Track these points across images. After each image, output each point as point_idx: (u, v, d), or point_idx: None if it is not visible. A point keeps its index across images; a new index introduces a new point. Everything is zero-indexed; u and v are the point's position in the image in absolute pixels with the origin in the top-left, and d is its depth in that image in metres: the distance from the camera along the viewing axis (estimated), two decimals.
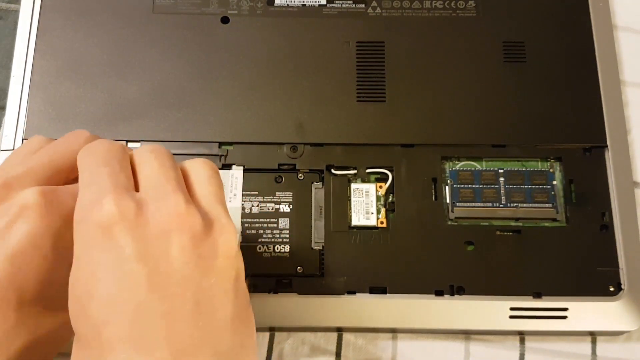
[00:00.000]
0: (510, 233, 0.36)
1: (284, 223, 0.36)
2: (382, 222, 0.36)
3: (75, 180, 0.27)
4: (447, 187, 0.37)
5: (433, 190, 0.36)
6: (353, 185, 0.37)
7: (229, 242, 0.23)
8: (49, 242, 0.24)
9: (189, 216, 0.22)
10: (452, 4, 0.40)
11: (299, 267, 0.35)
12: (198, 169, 0.25)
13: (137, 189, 0.23)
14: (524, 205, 0.36)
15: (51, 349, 0.27)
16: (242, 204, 0.36)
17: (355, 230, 0.36)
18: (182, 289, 0.21)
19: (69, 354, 0.23)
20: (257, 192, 0.36)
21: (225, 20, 0.40)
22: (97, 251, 0.21)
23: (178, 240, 0.22)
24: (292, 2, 0.40)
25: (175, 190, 0.23)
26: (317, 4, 0.40)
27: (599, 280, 0.35)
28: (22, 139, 0.37)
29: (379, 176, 0.37)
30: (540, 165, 0.37)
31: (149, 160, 0.24)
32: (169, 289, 0.21)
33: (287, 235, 0.36)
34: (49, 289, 0.25)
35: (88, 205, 0.22)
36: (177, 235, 0.22)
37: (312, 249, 0.35)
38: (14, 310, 0.24)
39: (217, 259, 0.22)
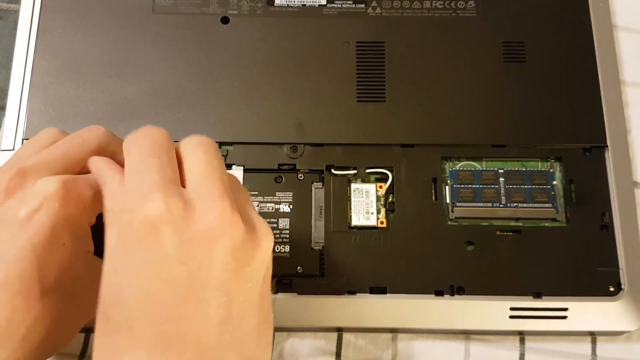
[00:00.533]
0: (510, 233, 0.36)
1: (284, 223, 0.36)
2: (382, 222, 0.36)
3: (87, 172, 0.27)
4: (447, 187, 0.37)
5: (433, 190, 0.36)
6: (353, 185, 0.37)
7: (269, 249, 0.23)
8: (68, 232, 0.25)
9: (233, 224, 0.22)
10: (452, 4, 0.40)
11: (299, 267, 0.35)
12: (235, 184, 0.25)
13: (182, 183, 0.23)
14: (524, 205, 0.36)
15: (67, 336, 0.27)
16: None
17: (355, 230, 0.36)
18: (219, 294, 0.22)
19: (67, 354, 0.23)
20: (257, 192, 0.36)
21: (225, 20, 0.40)
22: (141, 246, 0.21)
23: (220, 247, 0.22)
24: (292, 2, 0.40)
25: (222, 195, 0.22)
26: (317, 4, 0.40)
27: (599, 280, 0.35)
28: (22, 139, 0.37)
29: (379, 176, 0.37)
30: (540, 165, 0.37)
31: (197, 156, 0.24)
32: (206, 293, 0.21)
33: (287, 235, 0.35)
34: (66, 277, 0.25)
35: (135, 198, 0.22)
36: (220, 242, 0.22)
37: (312, 249, 0.35)
38: (38, 300, 0.24)
39: (254, 264, 0.23)
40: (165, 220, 0.21)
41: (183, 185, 0.23)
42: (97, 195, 0.26)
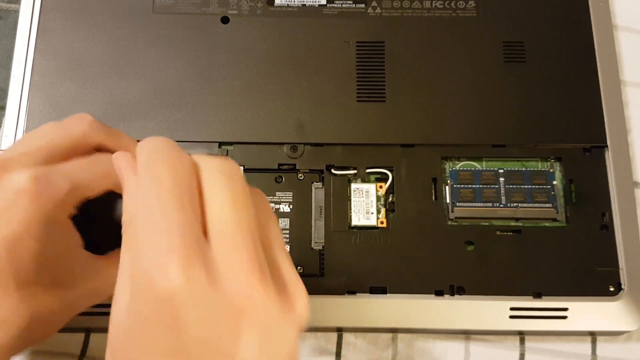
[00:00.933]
0: (510, 233, 0.36)
1: (284, 223, 0.36)
2: (382, 222, 0.36)
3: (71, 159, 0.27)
4: (447, 187, 0.37)
5: (433, 190, 0.36)
6: (353, 185, 0.37)
7: (303, 315, 0.21)
8: (41, 225, 0.25)
9: (264, 303, 0.20)
10: (452, 4, 0.40)
11: (299, 267, 0.35)
12: (264, 214, 0.23)
13: (203, 226, 0.21)
14: (524, 205, 0.36)
15: (50, 327, 0.27)
16: None
17: (355, 230, 0.36)
18: None
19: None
20: None
21: (225, 20, 0.40)
22: (156, 322, 0.19)
23: (248, 332, 0.20)
24: (292, 2, 0.40)
25: (252, 265, 0.20)
26: (317, 4, 0.40)
27: (599, 280, 0.35)
28: None
29: (379, 176, 0.37)
30: (540, 165, 0.37)
31: (222, 193, 0.21)
32: None
33: (287, 235, 0.35)
34: (44, 268, 0.25)
35: (152, 261, 0.19)
36: (248, 326, 0.20)
37: (312, 249, 0.35)
38: (14, 292, 0.24)
39: (284, 338, 0.20)
40: (184, 296, 0.19)
41: (204, 228, 0.21)
42: (75, 187, 0.25)
